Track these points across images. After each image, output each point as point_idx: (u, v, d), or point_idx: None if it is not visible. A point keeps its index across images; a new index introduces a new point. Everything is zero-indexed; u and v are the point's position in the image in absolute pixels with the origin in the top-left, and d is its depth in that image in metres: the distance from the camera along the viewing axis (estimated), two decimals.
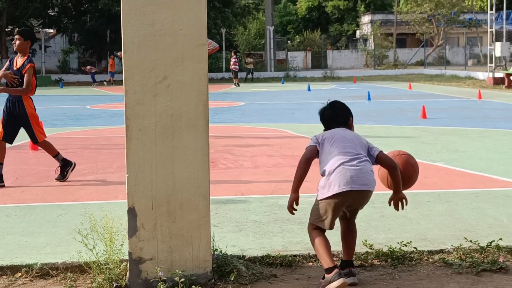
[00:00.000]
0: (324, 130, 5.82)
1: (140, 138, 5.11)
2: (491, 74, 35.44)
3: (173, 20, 5.11)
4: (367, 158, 5.45)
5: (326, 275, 5.09)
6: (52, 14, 55.63)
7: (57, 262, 5.72)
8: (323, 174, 5.46)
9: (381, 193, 8.66)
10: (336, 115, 5.83)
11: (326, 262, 5.14)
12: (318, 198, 5.47)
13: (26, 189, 9.40)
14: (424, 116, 18.59)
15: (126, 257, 5.26)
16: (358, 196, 5.39)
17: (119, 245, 5.43)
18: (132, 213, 5.13)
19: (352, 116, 5.84)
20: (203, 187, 5.19)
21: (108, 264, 5.34)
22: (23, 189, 9.40)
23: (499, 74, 34.97)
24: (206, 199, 5.21)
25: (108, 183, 9.70)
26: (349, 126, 5.78)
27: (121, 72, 41.69)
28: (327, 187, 5.38)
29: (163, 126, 5.12)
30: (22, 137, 14.79)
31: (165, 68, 5.12)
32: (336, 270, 5.03)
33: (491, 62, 36.07)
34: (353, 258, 5.59)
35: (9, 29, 53.50)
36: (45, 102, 27.49)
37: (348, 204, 5.40)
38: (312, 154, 5.64)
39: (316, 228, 5.49)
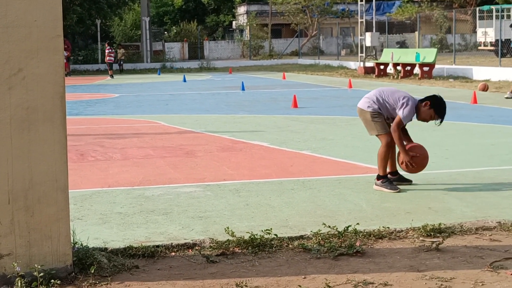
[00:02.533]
0: None
1: None
2: (362, 64, 36.36)
3: (27, 11, 5.02)
4: (374, 100, 8.33)
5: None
6: None
7: None
8: None
9: (248, 182, 8.86)
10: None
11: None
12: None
13: None
14: (295, 105, 18.92)
15: None
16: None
17: None
18: None
19: (429, 101, 8.28)
20: (61, 180, 5.15)
21: None
22: None
23: (370, 64, 35.92)
24: (65, 192, 5.17)
25: None
26: (422, 102, 8.31)
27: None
28: None
29: (18, 120, 5.04)
30: None
31: (19, 60, 5.03)
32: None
33: (362, 52, 37.00)
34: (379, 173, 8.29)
35: None
36: None
37: None
38: None
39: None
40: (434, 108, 8.26)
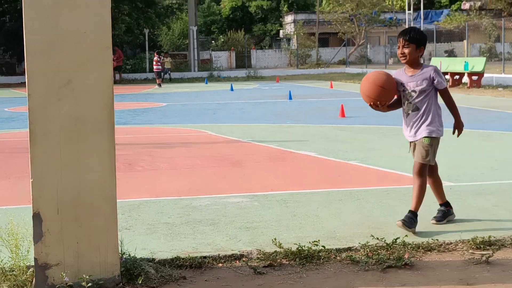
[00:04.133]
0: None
1: (44, 143, 5.06)
2: None
3: (76, 23, 5.07)
4: None
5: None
6: None
7: None
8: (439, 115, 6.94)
9: (295, 192, 8.82)
10: None
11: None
12: (440, 135, 6.92)
13: None
14: (343, 115, 18.84)
15: (33, 263, 5.20)
16: None
17: (25, 251, 5.37)
18: (37, 218, 5.08)
19: None
20: (109, 191, 5.17)
21: (13, 271, 5.28)
22: None
23: None
24: (113, 203, 5.19)
25: (21, 187, 9.54)
26: None
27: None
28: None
29: (68, 130, 5.08)
30: None
31: (69, 72, 5.07)
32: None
33: None
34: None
35: None
36: None
37: None
38: None
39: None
40: None
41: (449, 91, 6.98)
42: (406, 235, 6.26)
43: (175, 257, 5.88)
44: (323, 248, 6.03)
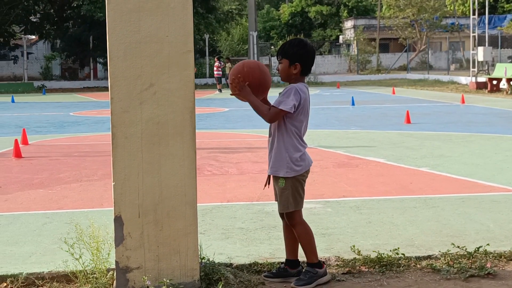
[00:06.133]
0: (301, 73, 5.69)
1: (126, 146, 5.06)
2: (473, 79, 35.59)
3: (159, 27, 5.06)
4: None
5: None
6: (35, 20, 55.37)
7: (43, 272, 5.65)
8: (298, 144, 5.52)
9: (368, 199, 8.71)
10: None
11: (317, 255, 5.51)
12: (299, 173, 5.39)
13: (10, 197, 9.32)
14: (408, 121, 18.64)
15: (113, 266, 5.21)
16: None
17: (105, 254, 5.38)
18: (118, 221, 5.08)
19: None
20: (190, 195, 5.15)
21: (94, 274, 5.30)
22: (7, 197, 9.32)
23: (482, 79, 35.11)
24: (193, 207, 5.17)
25: (92, 191, 9.63)
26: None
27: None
28: (306, 161, 5.49)
29: (149, 134, 5.08)
30: (4, 144, 14.75)
31: (151, 75, 5.07)
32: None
33: (473, 67, 36.22)
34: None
35: None
36: (28, 109, 27.36)
37: None
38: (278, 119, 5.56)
39: (301, 214, 5.48)
40: None
41: (274, 113, 5.73)
42: (488, 244, 6.10)
43: (252, 263, 5.85)
44: (402, 256, 5.92)
